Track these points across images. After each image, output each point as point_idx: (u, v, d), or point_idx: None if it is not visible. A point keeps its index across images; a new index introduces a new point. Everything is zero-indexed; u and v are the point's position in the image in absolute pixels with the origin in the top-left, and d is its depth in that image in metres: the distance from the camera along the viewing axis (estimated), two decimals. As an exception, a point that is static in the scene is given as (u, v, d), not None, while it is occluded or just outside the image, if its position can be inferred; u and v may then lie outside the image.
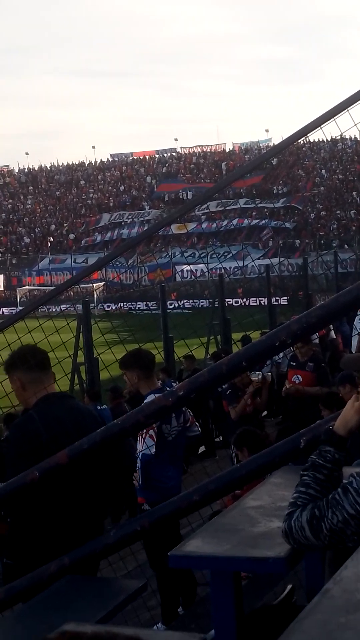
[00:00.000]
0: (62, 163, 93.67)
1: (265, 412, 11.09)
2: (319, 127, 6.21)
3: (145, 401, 6.78)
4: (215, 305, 19.14)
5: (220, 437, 13.90)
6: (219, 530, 3.20)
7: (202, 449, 13.24)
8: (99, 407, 12.02)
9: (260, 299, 29.76)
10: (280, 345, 3.52)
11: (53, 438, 4.04)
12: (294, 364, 10.64)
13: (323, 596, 1.30)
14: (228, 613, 2.95)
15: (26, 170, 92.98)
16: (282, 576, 3.82)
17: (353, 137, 73.16)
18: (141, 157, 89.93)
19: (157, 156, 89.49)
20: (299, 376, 10.55)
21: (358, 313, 10.55)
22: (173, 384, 6.87)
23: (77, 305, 15.76)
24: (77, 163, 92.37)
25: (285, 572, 3.04)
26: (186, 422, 7.01)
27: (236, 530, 3.12)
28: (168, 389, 6.80)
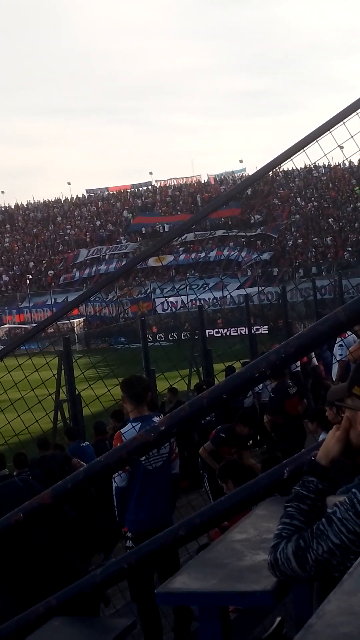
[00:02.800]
0: (38, 200, 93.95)
1: (250, 442, 11.08)
2: (290, 159, 6.28)
3: (123, 430, 6.87)
4: (196, 337, 19.16)
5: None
6: (205, 565, 3.18)
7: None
8: (82, 444, 11.97)
9: (240, 328, 29.82)
10: (260, 376, 3.53)
11: None
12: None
13: (306, 631, 1.29)
14: (217, 648, 2.94)
15: (2, 208, 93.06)
16: (270, 609, 3.80)
17: (326, 164, 73.83)
18: (117, 192, 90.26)
19: (132, 190, 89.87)
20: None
21: (337, 340, 10.61)
22: (155, 418, 6.88)
23: (57, 345, 15.74)
24: (53, 200, 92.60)
25: (273, 605, 3.02)
26: (171, 454, 7.00)
27: (222, 565, 3.11)
28: (155, 418, 6.85)
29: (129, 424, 6.91)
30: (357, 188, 71.38)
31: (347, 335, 9.91)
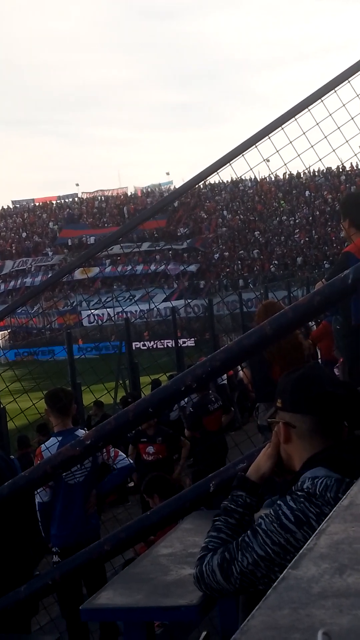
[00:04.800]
0: None
1: (176, 456, 11.10)
2: (216, 172, 6.32)
3: (46, 444, 6.82)
4: (122, 351, 19.13)
5: (132, 483, 13.81)
6: (130, 581, 3.16)
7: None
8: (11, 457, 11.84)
9: (167, 341, 29.86)
10: (186, 390, 3.53)
11: None
12: (145, 439, 10.81)
13: (231, 648, 1.29)
14: (143, 664, 2.92)
15: None
16: (196, 623, 3.79)
17: (253, 177, 74.51)
18: (43, 203, 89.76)
19: (59, 202, 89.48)
20: (152, 447, 10.70)
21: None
22: (79, 431, 6.85)
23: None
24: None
25: (198, 620, 3.02)
26: (94, 466, 6.94)
27: (148, 580, 3.09)
28: (79, 431, 6.81)
29: (52, 437, 6.87)
30: (282, 202, 72.19)
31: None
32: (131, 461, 7.23)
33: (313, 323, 10.22)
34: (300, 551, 1.68)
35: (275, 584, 1.54)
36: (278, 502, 2.63)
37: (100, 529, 7.03)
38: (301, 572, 1.57)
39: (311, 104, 6.13)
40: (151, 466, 10.18)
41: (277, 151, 5.99)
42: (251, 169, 5.84)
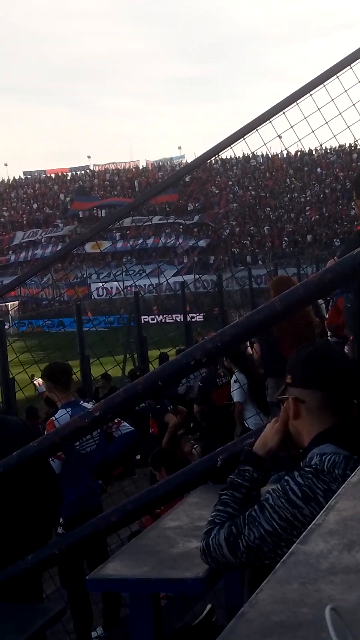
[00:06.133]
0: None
1: (182, 430, 11.14)
2: (230, 146, 6.28)
3: (56, 415, 6.82)
4: (131, 323, 19.14)
5: (139, 456, 13.87)
6: (137, 552, 3.18)
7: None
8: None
9: (176, 315, 29.85)
10: (195, 364, 3.53)
11: None
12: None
13: (239, 620, 1.29)
14: (147, 635, 2.94)
15: None
16: (201, 596, 3.82)
17: (264, 153, 74.19)
18: (54, 175, 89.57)
19: (70, 174, 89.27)
20: None
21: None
22: (84, 403, 6.88)
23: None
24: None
25: (204, 593, 3.04)
26: (108, 428, 6.97)
27: (155, 552, 3.11)
28: (84, 403, 6.83)
29: (61, 409, 6.88)
30: (293, 179, 71.88)
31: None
32: (133, 428, 7.22)
33: (322, 301, 10.20)
34: (309, 527, 1.69)
35: (284, 558, 1.54)
36: (286, 477, 2.64)
37: (105, 501, 7.07)
38: (310, 548, 1.58)
39: (326, 80, 6.08)
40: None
41: (292, 127, 5.96)
42: (265, 144, 5.82)
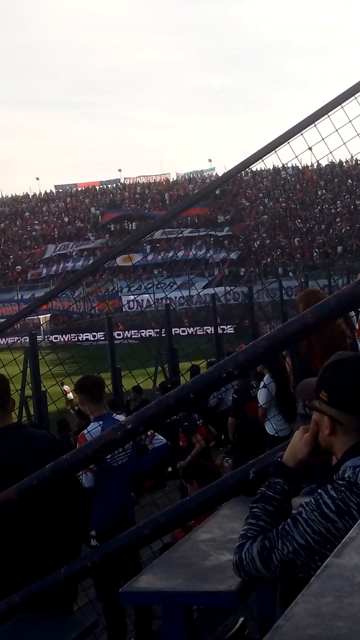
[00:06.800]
0: (6, 195, 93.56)
1: (213, 443, 11.11)
2: (262, 159, 6.29)
3: (88, 428, 6.83)
4: (162, 335, 19.16)
5: (170, 468, 13.86)
6: (170, 565, 3.18)
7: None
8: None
9: (206, 328, 29.86)
10: (227, 377, 3.53)
11: (10, 470, 4.03)
12: None
13: (274, 633, 1.29)
14: (180, 648, 2.94)
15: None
16: (234, 609, 3.81)
17: (294, 165, 74.16)
18: (85, 188, 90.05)
19: (101, 187, 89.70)
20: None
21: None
22: (116, 416, 6.88)
23: (24, 338, 15.63)
24: (21, 195, 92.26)
25: (236, 606, 3.03)
26: (142, 441, 6.97)
27: (187, 564, 3.11)
28: (116, 416, 6.84)
29: (93, 422, 6.88)
30: (324, 190, 71.72)
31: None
32: (167, 441, 7.22)
33: (353, 313, 10.17)
34: (343, 540, 1.68)
35: (318, 571, 1.54)
36: (319, 490, 2.62)
37: (137, 514, 7.06)
38: (344, 561, 1.57)
39: (357, 92, 6.08)
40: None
41: (323, 139, 5.96)
42: (296, 157, 5.82)
